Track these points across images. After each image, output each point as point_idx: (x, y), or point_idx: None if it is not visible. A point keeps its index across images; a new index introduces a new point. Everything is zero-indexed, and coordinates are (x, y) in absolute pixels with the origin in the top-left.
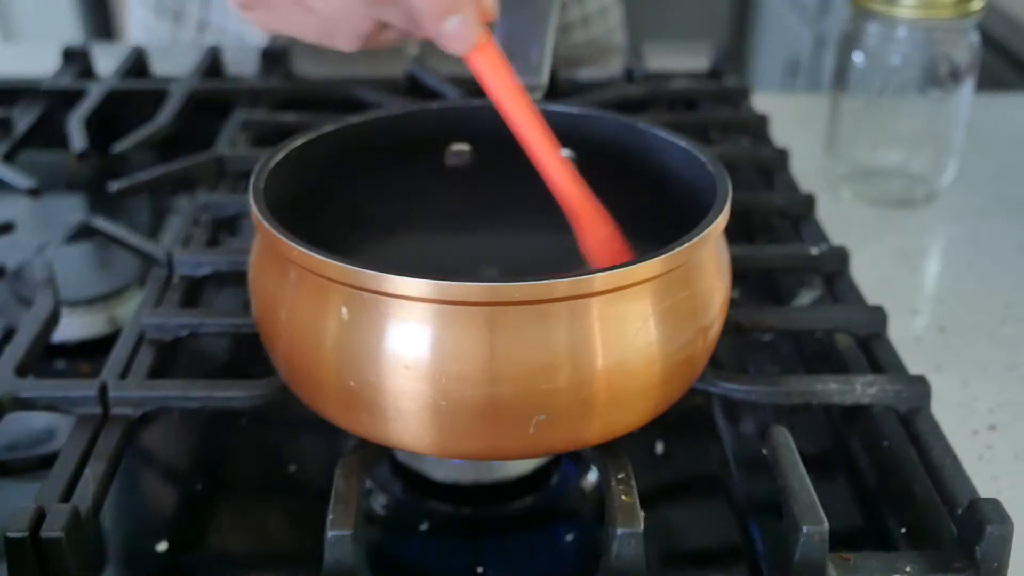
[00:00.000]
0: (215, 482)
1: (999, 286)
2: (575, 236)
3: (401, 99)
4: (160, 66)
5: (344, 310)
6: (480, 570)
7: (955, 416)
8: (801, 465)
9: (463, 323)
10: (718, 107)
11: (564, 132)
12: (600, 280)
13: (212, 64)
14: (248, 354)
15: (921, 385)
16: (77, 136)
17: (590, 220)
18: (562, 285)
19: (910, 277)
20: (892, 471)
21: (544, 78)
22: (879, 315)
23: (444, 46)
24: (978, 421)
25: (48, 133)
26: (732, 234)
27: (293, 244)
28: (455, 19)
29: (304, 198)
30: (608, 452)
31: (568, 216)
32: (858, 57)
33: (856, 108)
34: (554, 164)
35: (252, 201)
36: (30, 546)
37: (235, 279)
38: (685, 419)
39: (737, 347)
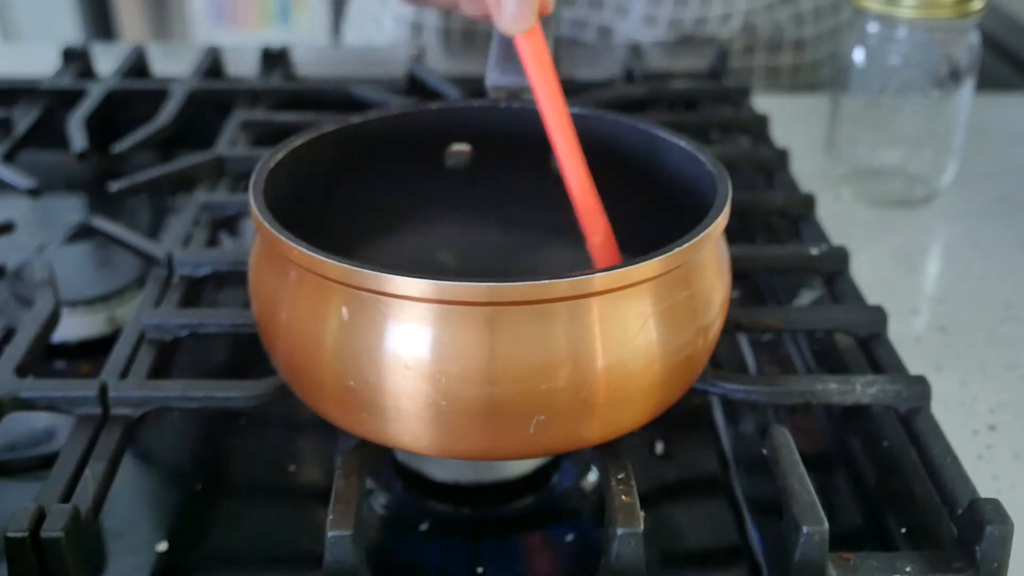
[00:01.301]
0: (215, 482)
1: (999, 286)
2: (583, 235)
3: (401, 99)
4: (160, 66)
5: (344, 310)
6: (480, 570)
7: (955, 416)
8: (801, 465)
9: (463, 323)
10: (718, 107)
11: None
12: (600, 280)
13: (212, 64)
14: (248, 354)
15: (921, 385)
16: (77, 136)
17: (595, 222)
18: (562, 285)
19: (910, 277)
20: (892, 471)
21: None
22: (879, 315)
23: (499, 23)
24: (978, 421)
25: (48, 133)
26: (732, 234)
27: (293, 244)
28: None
29: (304, 198)
30: (608, 452)
31: (578, 215)
32: (858, 57)
33: (856, 108)
34: (575, 160)
35: (252, 201)
36: (30, 546)
37: (235, 279)
38: (685, 419)
39: (737, 347)
